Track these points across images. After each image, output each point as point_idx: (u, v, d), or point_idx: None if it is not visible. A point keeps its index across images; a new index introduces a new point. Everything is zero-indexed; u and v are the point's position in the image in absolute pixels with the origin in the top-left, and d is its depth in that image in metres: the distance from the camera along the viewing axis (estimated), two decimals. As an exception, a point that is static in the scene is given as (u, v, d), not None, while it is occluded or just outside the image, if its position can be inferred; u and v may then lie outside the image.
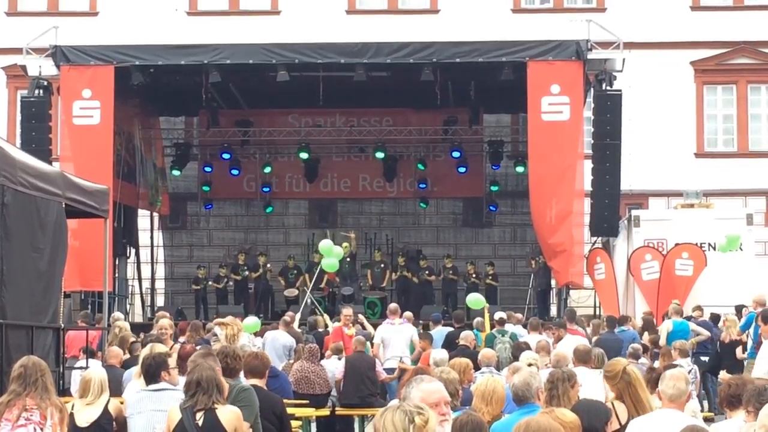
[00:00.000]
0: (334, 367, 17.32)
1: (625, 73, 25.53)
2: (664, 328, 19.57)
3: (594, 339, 18.38)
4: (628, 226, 25.41)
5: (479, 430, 6.25)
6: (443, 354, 14.70)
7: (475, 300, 21.99)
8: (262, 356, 10.21)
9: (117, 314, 20.80)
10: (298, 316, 21.16)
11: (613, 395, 8.88)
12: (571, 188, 24.84)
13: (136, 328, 19.56)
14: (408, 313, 20.58)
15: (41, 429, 8.14)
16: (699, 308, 21.46)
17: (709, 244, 24.42)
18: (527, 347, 15.23)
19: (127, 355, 15.61)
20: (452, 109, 30.11)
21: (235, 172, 32.05)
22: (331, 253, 22.23)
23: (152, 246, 31.81)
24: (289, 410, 11.80)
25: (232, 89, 28.81)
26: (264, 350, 15.19)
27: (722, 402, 8.60)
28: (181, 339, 18.49)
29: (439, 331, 19.83)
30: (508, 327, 19.89)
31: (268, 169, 32.21)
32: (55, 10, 33.48)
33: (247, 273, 29.57)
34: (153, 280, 31.76)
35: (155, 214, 32.15)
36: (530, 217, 26.14)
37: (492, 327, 20.00)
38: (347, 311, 20.29)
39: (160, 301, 31.82)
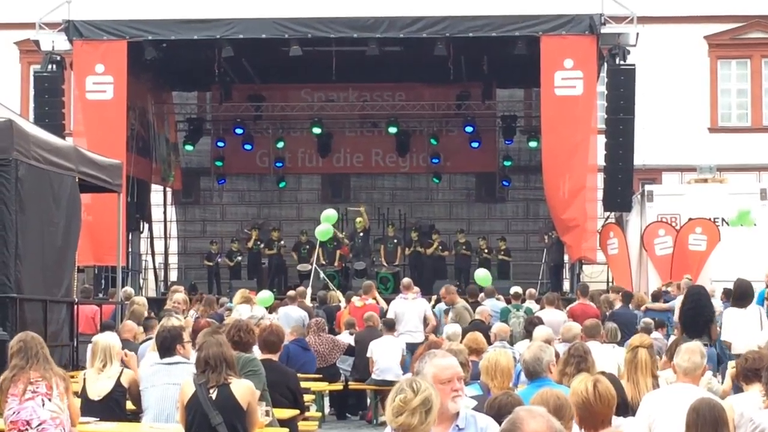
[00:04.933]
0: (347, 342, 17.34)
1: (638, 48, 25.39)
2: (680, 302, 19.41)
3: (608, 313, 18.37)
4: (641, 201, 25.34)
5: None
6: (456, 328, 14.72)
7: (484, 276, 21.93)
8: (277, 331, 10.15)
9: (128, 289, 20.77)
10: (309, 290, 21.14)
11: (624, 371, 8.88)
12: (584, 163, 24.76)
13: (149, 303, 19.52)
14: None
15: (49, 399, 8.11)
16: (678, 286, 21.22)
17: (723, 219, 24.34)
18: (540, 322, 15.21)
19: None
20: (465, 84, 30.00)
21: (248, 147, 32.06)
22: (330, 220, 22.43)
23: (165, 221, 31.85)
24: (303, 384, 11.82)
25: (245, 64, 28.75)
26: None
27: (738, 375, 8.57)
28: (193, 313, 18.54)
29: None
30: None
31: (280, 144, 32.19)
32: (67, -15, 33.33)
33: (262, 246, 29.59)
34: (166, 254, 31.80)
35: (168, 189, 32.17)
36: (543, 192, 26.05)
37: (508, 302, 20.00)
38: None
39: (173, 276, 31.87)
